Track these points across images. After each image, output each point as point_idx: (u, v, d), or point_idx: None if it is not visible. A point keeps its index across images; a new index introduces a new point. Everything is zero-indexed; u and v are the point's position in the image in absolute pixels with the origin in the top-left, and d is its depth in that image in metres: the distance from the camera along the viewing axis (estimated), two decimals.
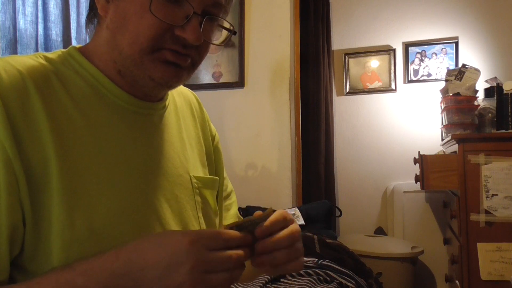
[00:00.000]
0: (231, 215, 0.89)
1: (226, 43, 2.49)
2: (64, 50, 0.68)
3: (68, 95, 0.62)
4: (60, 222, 0.56)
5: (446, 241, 2.49)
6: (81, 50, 0.68)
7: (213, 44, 0.68)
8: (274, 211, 0.61)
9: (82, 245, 0.57)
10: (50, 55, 0.66)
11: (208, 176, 0.81)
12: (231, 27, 0.69)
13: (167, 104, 0.75)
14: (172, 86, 0.68)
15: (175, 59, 0.63)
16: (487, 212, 1.80)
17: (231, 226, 0.58)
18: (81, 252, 0.57)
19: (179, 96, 0.82)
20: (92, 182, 0.60)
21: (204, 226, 0.74)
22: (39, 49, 1.81)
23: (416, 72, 2.98)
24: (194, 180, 0.75)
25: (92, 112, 0.64)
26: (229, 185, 0.91)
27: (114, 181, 0.62)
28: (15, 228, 0.55)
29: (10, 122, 0.55)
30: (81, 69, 0.65)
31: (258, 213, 0.61)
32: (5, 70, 0.58)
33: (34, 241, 0.57)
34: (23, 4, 1.76)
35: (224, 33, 0.69)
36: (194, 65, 0.67)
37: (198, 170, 0.78)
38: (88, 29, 0.70)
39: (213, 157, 0.86)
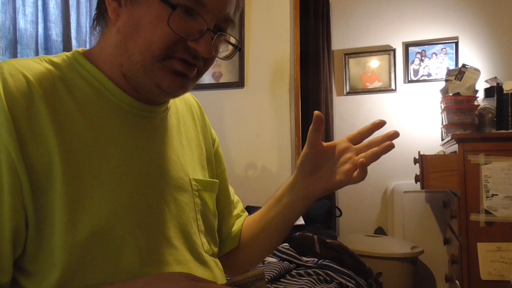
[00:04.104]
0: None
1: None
2: (68, 53, 0.68)
3: (73, 98, 0.63)
4: (62, 224, 0.57)
5: (446, 241, 2.49)
6: (85, 54, 0.68)
7: (219, 58, 0.70)
8: (264, 273, 0.62)
9: (84, 247, 0.58)
10: (54, 58, 0.66)
11: (208, 179, 0.81)
12: (237, 43, 0.71)
13: (168, 106, 0.76)
14: (177, 95, 0.70)
15: (184, 69, 0.64)
16: (487, 212, 1.80)
17: None
18: (83, 254, 0.57)
19: (180, 100, 0.83)
20: (95, 184, 0.60)
21: (202, 229, 0.75)
22: (39, 49, 1.81)
23: (416, 72, 2.98)
24: (193, 183, 0.75)
25: (96, 115, 0.64)
26: (234, 195, 0.95)
27: (115, 183, 0.62)
28: (17, 230, 0.56)
29: (14, 126, 0.55)
30: (85, 73, 0.66)
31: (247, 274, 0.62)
32: (11, 74, 0.58)
33: (36, 242, 0.57)
34: (23, 4, 1.76)
35: (231, 47, 0.71)
36: (199, 75, 0.68)
37: (198, 172, 0.79)
38: (95, 31, 0.70)
39: (213, 160, 0.86)
